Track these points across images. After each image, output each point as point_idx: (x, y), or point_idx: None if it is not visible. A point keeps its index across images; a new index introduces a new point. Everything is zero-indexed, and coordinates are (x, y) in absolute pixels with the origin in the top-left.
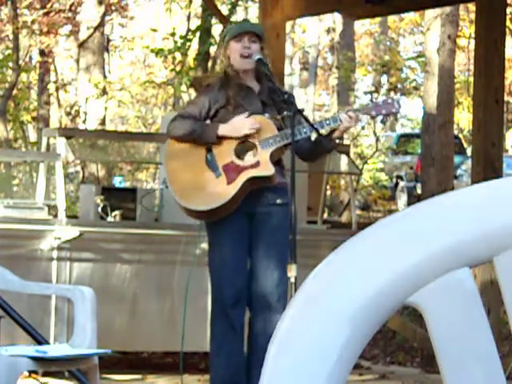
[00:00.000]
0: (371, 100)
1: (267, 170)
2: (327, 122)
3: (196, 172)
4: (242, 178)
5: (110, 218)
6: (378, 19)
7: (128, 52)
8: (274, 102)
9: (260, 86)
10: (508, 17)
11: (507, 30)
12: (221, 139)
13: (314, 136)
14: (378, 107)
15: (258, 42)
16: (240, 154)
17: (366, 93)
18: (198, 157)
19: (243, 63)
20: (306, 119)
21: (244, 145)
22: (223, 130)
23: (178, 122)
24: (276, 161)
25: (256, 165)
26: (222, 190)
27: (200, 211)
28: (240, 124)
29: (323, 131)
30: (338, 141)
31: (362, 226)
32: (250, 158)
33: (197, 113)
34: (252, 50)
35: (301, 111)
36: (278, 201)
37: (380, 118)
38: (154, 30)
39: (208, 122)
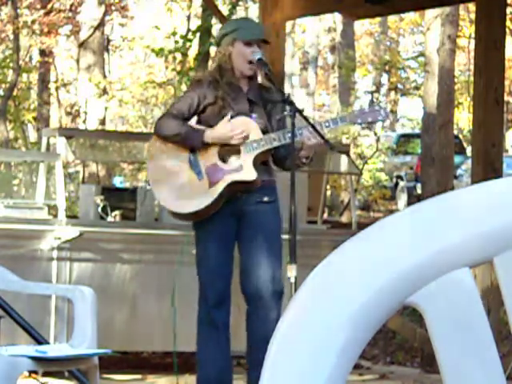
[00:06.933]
0: (367, 104)
1: (249, 174)
2: (300, 131)
3: (178, 173)
4: (225, 181)
5: (110, 218)
6: (378, 19)
7: (128, 52)
8: (266, 101)
9: (249, 85)
10: (508, 17)
11: (507, 30)
12: None
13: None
14: (364, 114)
15: (263, 46)
16: (224, 156)
17: (366, 92)
18: (181, 157)
19: (247, 69)
20: (306, 120)
21: (228, 147)
22: (209, 137)
23: (165, 120)
24: (262, 161)
25: (239, 169)
26: (203, 193)
27: (181, 213)
28: (226, 132)
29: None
30: (305, 160)
31: (362, 226)
32: (233, 162)
33: (185, 109)
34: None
35: (301, 111)
36: (266, 198)
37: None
38: (157, 28)
39: (193, 123)
